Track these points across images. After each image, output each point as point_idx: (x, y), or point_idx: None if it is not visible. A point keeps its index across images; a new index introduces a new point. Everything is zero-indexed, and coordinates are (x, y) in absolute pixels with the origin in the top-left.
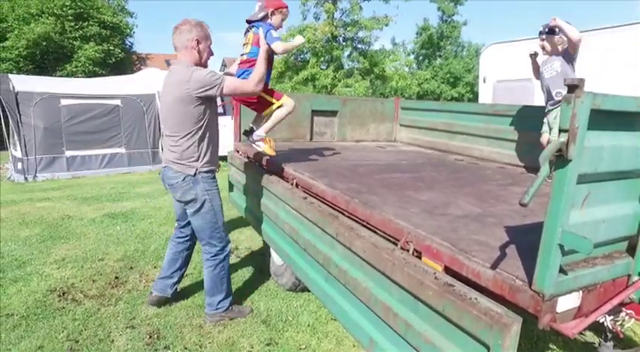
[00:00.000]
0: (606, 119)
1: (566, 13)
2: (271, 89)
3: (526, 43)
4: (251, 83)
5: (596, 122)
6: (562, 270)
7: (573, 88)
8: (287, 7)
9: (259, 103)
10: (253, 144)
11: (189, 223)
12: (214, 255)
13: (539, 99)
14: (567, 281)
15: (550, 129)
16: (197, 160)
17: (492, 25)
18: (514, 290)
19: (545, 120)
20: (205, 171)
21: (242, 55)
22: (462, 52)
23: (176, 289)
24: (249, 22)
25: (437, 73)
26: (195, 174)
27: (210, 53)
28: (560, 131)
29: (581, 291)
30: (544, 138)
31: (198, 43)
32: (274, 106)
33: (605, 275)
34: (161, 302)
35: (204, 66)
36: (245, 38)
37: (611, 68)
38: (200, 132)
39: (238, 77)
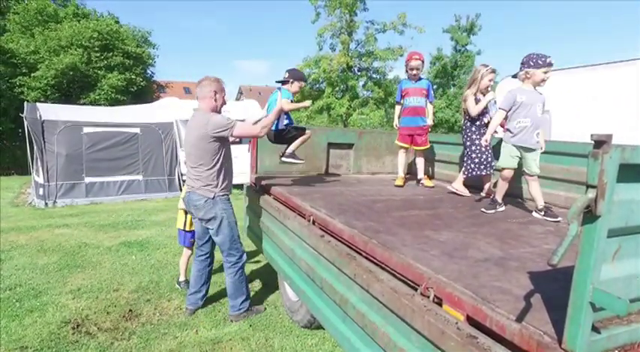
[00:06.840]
0: (636, 171)
1: (580, 44)
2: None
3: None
4: (257, 129)
5: (626, 175)
6: (594, 328)
7: (600, 143)
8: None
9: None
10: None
11: (207, 242)
12: (234, 264)
13: (556, 132)
14: (601, 341)
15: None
16: (215, 186)
17: (506, 55)
18: (542, 347)
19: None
20: (222, 195)
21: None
22: None
23: (205, 298)
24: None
25: (451, 102)
26: (214, 197)
27: (224, 102)
28: (588, 187)
29: (616, 351)
30: (508, 173)
31: (215, 93)
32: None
33: None
34: (196, 311)
35: (219, 112)
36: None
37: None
38: (218, 165)
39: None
